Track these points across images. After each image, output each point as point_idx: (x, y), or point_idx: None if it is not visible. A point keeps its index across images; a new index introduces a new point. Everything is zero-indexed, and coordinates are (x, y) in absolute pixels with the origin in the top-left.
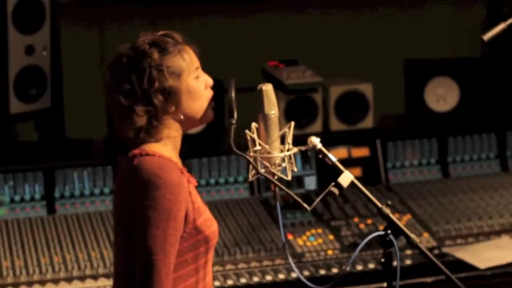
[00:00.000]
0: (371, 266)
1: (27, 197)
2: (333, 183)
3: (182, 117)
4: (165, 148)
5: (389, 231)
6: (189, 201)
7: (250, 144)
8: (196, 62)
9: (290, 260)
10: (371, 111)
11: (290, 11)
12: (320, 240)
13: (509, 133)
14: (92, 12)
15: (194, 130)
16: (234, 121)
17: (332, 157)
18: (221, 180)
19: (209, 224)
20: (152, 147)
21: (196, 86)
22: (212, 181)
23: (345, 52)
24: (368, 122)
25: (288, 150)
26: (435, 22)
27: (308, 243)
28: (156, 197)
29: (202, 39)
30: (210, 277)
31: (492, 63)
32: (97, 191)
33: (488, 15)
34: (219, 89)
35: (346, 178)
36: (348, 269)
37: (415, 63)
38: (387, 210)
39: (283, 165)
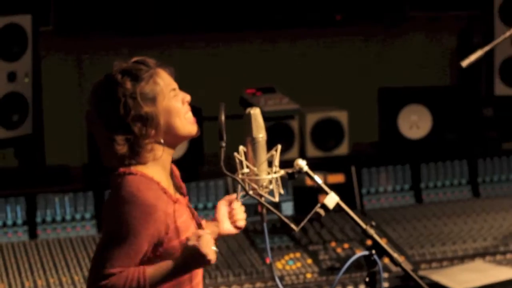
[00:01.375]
0: None
1: (9, 222)
2: (319, 204)
3: (162, 140)
4: (152, 169)
5: (373, 251)
6: (163, 222)
7: (238, 166)
8: (171, 84)
9: (277, 279)
10: (346, 138)
11: (267, 40)
12: (298, 264)
13: (480, 160)
14: (70, 41)
15: (174, 155)
16: (223, 144)
17: (318, 179)
18: (200, 205)
19: None
20: (138, 167)
21: (173, 105)
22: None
23: (321, 80)
24: (343, 149)
25: (275, 172)
26: (408, 51)
27: (287, 267)
28: (123, 212)
29: (180, 67)
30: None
31: (464, 91)
32: (78, 216)
33: (458, 44)
34: (197, 116)
35: (332, 199)
36: None
37: (389, 91)
38: (371, 231)
39: (270, 187)
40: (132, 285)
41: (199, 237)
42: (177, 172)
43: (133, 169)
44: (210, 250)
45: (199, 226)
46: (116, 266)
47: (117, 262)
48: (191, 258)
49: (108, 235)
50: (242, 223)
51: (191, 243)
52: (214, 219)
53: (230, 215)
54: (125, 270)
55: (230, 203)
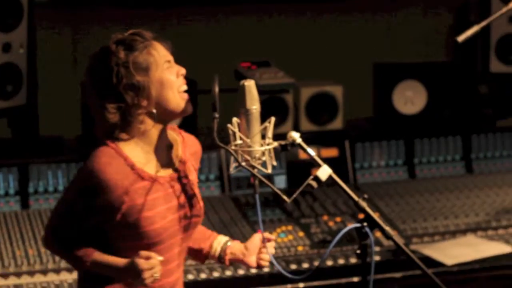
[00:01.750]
0: (341, 261)
1: (1, 192)
2: (312, 176)
3: (155, 110)
4: (132, 144)
5: (365, 224)
6: (117, 197)
7: (231, 138)
8: (166, 56)
9: (268, 251)
10: (341, 113)
11: (263, 14)
12: (290, 237)
13: (474, 136)
14: (66, 13)
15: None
16: (217, 115)
17: (311, 151)
18: None
19: (152, 221)
20: (116, 142)
21: (167, 77)
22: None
23: (316, 55)
24: (337, 124)
25: (268, 144)
26: (404, 27)
27: (279, 240)
28: (76, 181)
29: (176, 40)
30: (173, 275)
31: (459, 67)
32: None
33: (455, 21)
34: (192, 89)
35: (325, 172)
36: (325, 259)
37: (384, 67)
38: (364, 203)
39: (263, 158)
40: (76, 261)
41: (148, 257)
42: (193, 148)
43: (108, 141)
44: (150, 274)
45: (187, 209)
46: (63, 230)
47: (62, 227)
48: (130, 271)
49: (60, 200)
50: (265, 263)
51: (137, 259)
52: (245, 244)
53: (260, 251)
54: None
55: (264, 240)
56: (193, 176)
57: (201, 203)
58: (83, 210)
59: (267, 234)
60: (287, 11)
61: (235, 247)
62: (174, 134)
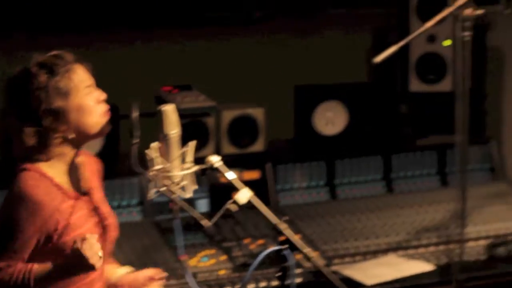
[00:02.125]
0: (263, 284)
1: None
2: (231, 200)
3: (74, 135)
4: (52, 165)
5: (285, 246)
6: (52, 218)
7: (150, 163)
8: (87, 80)
9: (188, 275)
10: (262, 135)
11: (184, 38)
12: (212, 261)
13: (394, 156)
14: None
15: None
16: (136, 141)
17: (230, 175)
18: (115, 204)
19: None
20: (37, 164)
21: (87, 103)
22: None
23: (237, 78)
24: (259, 146)
25: (187, 168)
26: (324, 48)
27: (201, 264)
28: (11, 208)
29: (97, 65)
30: None
31: (379, 87)
32: None
33: (375, 41)
34: (114, 114)
35: (244, 195)
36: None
37: (304, 88)
38: (283, 226)
39: (183, 183)
40: (17, 282)
41: (83, 240)
42: (95, 167)
43: (29, 165)
44: (93, 254)
45: (104, 225)
46: (3, 260)
47: (3, 257)
48: (74, 260)
49: None
50: None
51: (75, 245)
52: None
53: (139, 283)
54: (12, 265)
55: (150, 279)
56: (100, 193)
57: (115, 219)
58: (28, 237)
59: (155, 273)
60: (208, 34)
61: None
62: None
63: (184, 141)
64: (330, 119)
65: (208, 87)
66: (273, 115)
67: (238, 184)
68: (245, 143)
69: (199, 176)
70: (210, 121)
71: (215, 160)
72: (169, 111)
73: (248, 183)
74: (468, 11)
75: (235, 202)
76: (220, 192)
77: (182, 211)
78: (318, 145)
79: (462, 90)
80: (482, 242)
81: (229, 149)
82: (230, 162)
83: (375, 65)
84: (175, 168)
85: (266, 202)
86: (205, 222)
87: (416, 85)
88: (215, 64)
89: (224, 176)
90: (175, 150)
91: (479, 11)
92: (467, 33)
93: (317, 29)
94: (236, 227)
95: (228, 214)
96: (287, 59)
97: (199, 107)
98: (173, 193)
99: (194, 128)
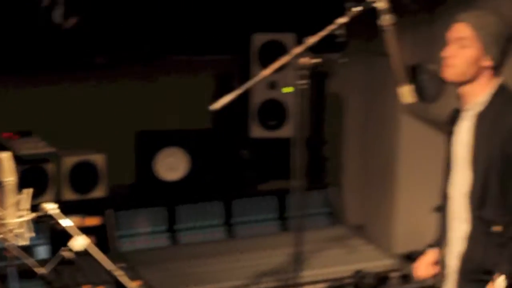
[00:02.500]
0: None
1: None
2: (65, 247)
3: None
4: None
5: None
6: None
7: None
8: None
9: None
10: (103, 181)
11: (25, 83)
12: None
13: (235, 201)
14: None
15: None
16: None
17: (65, 222)
18: None
19: None
20: None
21: None
22: None
23: (79, 123)
24: (100, 192)
25: (22, 216)
26: (167, 94)
27: None
28: None
29: None
30: None
31: (221, 133)
32: None
33: (217, 88)
34: None
35: (79, 242)
36: None
37: (146, 134)
38: (119, 272)
39: (19, 230)
40: None
41: None
42: None
43: None
44: None
45: None
46: None
47: None
48: None
49: None
50: None
51: None
52: None
53: None
54: None
55: None
56: None
57: None
58: None
59: None
60: (49, 80)
61: None
62: None
63: (24, 187)
64: (172, 165)
65: (50, 133)
66: (114, 160)
67: (73, 231)
68: (86, 188)
69: (38, 223)
70: (49, 167)
71: (50, 207)
72: (4, 158)
73: (89, 229)
74: (304, 60)
75: (70, 249)
76: (60, 238)
77: (20, 257)
78: (159, 190)
79: (299, 136)
80: (320, 286)
81: (70, 195)
82: (71, 208)
83: (214, 112)
84: (10, 216)
85: (107, 249)
86: (40, 270)
87: (257, 131)
88: (57, 110)
89: (59, 223)
90: (10, 197)
91: (316, 60)
92: (303, 81)
93: (160, 75)
94: (76, 274)
95: (68, 261)
96: (129, 105)
97: (38, 153)
98: (7, 240)
99: (33, 175)
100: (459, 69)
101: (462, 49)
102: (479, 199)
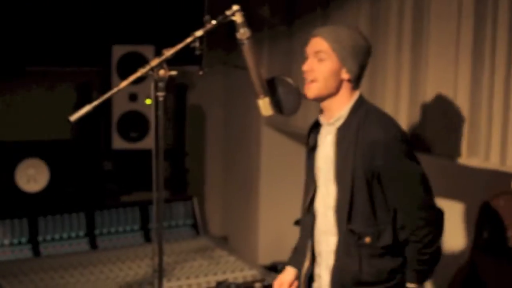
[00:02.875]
0: None
1: None
2: None
3: None
4: None
5: None
6: None
7: None
8: None
9: None
10: None
11: None
12: None
13: (98, 212)
14: None
15: None
16: None
17: None
18: None
19: None
20: None
21: None
22: None
23: None
24: None
25: None
26: (28, 105)
27: None
28: None
29: None
30: None
31: (82, 144)
32: None
33: (78, 99)
34: None
35: None
36: None
37: (6, 145)
38: None
39: None
40: None
41: None
42: None
43: None
44: None
45: None
46: None
47: None
48: None
49: None
50: None
51: None
52: None
53: None
54: None
55: None
56: None
57: None
58: None
59: None
60: None
61: None
62: None
63: None
64: (32, 176)
65: None
66: None
67: None
68: None
69: None
70: None
71: None
72: None
73: None
74: (161, 72)
75: None
76: None
77: None
78: (20, 202)
79: (158, 148)
80: None
81: None
82: None
83: (73, 123)
84: None
85: None
86: None
87: (118, 143)
88: None
89: None
90: None
91: (173, 72)
92: (161, 93)
93: (20, 86)
94: None
95: None
96: None
97: None
98: None
99: None
100: (320, 83)
101: (320, 62)
102: (347, 214)
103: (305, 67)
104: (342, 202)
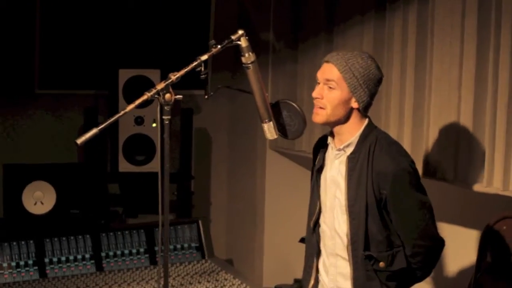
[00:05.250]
0: None
1: None
2: None
3: None
4: None
5: None
6: None
7: None
8: None
9: None
10: None
11: None
12: None
13: (103, 235)
14: None
15: None
16: None
17: None
18: None
19: None
20: None
21: None
22: None
23: None
24: None
25: None
26: (36, 128)
27: None
28: None
29: None
30: None
31: (89, 167)
32: None
33: (85, 122)
34: None
35: None
36: None
37: (14, 167)
38: None
39: None
40: None
41: None
42: None
43: None
44: None
45: None
46: None
47: None
48: None
49: None
50: None
51: None
52: None
53: None
54: None
55: None
56: None
57: None
58: None
59: None
60: None
61: None
62: None
63: None
64: (39, 199)
65: None
66: None
67: None
68: None
69: None
70: None
71: None
72: None
73: None
74: (167, 96)
75: None
76: None
77: None
78: (27, 224)
79: (162, 171)
80: None
81: None
82: None
83: (79, 146)
84: None
85: None
86: None
87: (124, 166)
88: None
89: None
90: None
91: (178, 96)
92: (167, 117)
93: (26, 109)
94: None
95: None
96: None
97: None
98: None
99: None
100: (329, 111)
101: (330, 90)
102: (363, 242)
103: (315, 93)
104: (357, 233)
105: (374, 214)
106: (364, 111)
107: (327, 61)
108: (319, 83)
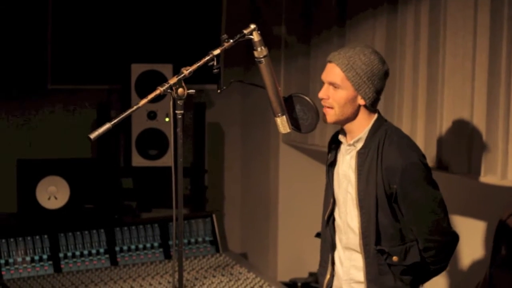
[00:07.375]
0: None
1: None
2: None
3: None
4: None
5: None
6: None
7: None
8: None
9: None
10: None
11: None
12: None
13: (117, 229)
14: None
15: None
16: None
17: None
18: None
19: None
20: None
21: None
22: None
23: None
24: None
25: None
26: (49, 123)
27: None
28: None
29: None
30: None
31: (102, 162)
32: None
33: (98, 117)
34: None
35: None
36: None
37: (27, 162)
38: None
39: None
40: None
41: None
42: None
43: None
44: None
45: None
46: None
47: None
48: None
49: None
50: None
51: None
52: None
53: None
54: None
55: None
56: None
57: None
58: None
59: None
60: None
61: None
62: None
63: None
64: (53, 193)
65: None
66: None
67: None
68: None
69: None
70: None
71: None
72: None
73: None
74: (180, 90)
75: None
76: None
77: None
78: (41, 218)
79: (176, 165)
80: None
81: None
82: None
83: (93, 141)
84: None
85: None
86: None
87: (138, 160)
88: None
89: None
90: None
91: (191, 91)
92: (179, 111)
93: (39, 105)
94: None
95: None
96: (10, 134)
97: None
98: None
99: None
100: (337, 110)
101: (335, 90)
102: (375, 237)
103: (321, 94)
104: (368, 227)
105: (385, 208)
106: (372, 107)
107: (329, 61)
108: (324, 85)
